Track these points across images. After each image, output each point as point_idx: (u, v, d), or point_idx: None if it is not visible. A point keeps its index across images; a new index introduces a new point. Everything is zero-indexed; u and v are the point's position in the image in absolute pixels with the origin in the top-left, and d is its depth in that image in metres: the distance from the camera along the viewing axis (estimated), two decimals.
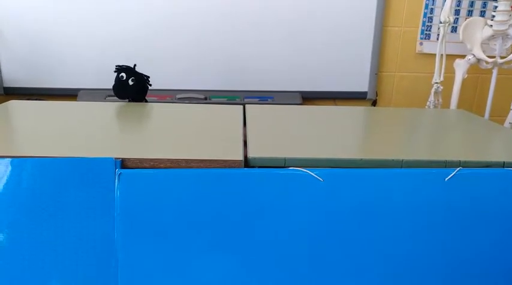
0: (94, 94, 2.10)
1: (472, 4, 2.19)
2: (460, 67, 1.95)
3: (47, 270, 0.84)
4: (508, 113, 1.93)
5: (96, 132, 1.04)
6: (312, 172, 0.84)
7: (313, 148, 0.96)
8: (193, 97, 2.14)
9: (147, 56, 2.13)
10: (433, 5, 2.19)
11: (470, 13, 2.20)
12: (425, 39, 2.24)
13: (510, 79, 2.30)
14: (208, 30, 2.14)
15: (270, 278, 0.85)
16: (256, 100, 2.17)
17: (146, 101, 1.49)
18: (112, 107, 1.32)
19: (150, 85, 1.46)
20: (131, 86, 1.41)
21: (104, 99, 2.06)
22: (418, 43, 2.25)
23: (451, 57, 2.03)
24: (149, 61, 2.13)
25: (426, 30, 2.23)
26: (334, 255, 0.85)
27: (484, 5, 2.19)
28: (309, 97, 2.26)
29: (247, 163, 0.88)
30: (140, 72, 1.44)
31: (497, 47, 1.92)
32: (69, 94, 2.15)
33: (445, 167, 0.89)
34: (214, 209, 0.83)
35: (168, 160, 0.85)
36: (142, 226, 0.83)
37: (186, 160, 0.86)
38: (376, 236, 0.85)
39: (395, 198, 0.85)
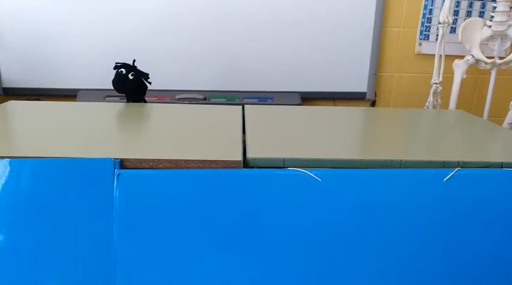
0: (93, 95, 2.10)
1: (471, 5, 2.19)
2: (459, 68, 1.96)
3: (46, 271, 0.84)
4: (506, 113, 1.93)
5: (95, 132, 1.04)
6: (311, 172, 0.84)
7: (312, 149, 0.96)
8: (193, 98, 2.14)
9: (147, 56, 2.13)
10: (432, 5, 2.19)
11: (469, 14, 2.21)
12: (424, 39, 2.24)
13: (509, 79, 2.30)
14: (208, 31, 2.14)
15: (270, 278, 0.85)
16: (256, 100, 2.17)
17: (145, 101, 1.49)
18: (111, 107, 1.32)
19: (150, 83, 1.45)
20: (131, 80, 1.40)
21: (103, 100, 2.06)
22: (417, 43, 2.25)
23: (450, 58, 2.04)
24: (149, 62, 2.12)
25: (425, 31, 2.23)
26: (333, 256, 0.85)
27: (483, 5, 2.19)
28: (308, 98, 2.27)
29: (246, 163, 0.88)
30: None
31: (496, 47, 1.93)
32: (68, 95, 2.15)
33: (444, 167, 0.89)
34: (213, 210, 0.83)
35: (167, 160, 0.85)
36: (141, 226, 0.83)
37: (185, 161, 0.86)
38: (375, 236, 0.86)
39: (394, 198, 0.85)
